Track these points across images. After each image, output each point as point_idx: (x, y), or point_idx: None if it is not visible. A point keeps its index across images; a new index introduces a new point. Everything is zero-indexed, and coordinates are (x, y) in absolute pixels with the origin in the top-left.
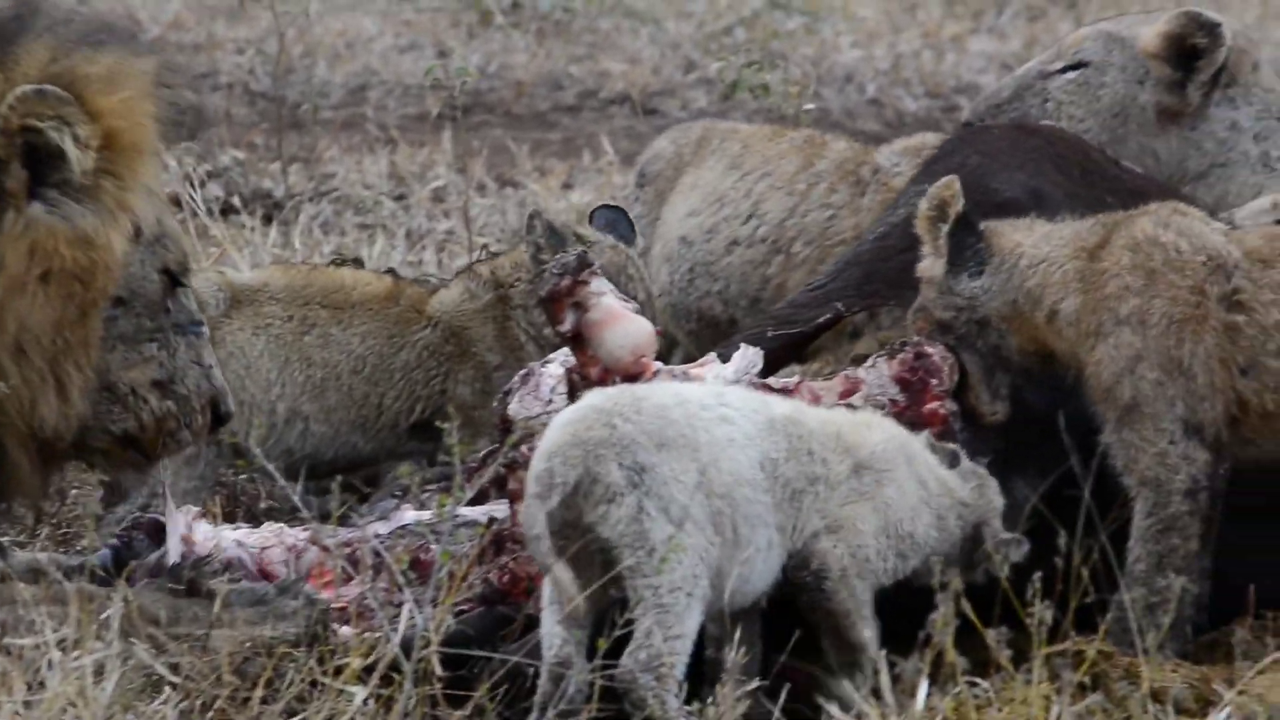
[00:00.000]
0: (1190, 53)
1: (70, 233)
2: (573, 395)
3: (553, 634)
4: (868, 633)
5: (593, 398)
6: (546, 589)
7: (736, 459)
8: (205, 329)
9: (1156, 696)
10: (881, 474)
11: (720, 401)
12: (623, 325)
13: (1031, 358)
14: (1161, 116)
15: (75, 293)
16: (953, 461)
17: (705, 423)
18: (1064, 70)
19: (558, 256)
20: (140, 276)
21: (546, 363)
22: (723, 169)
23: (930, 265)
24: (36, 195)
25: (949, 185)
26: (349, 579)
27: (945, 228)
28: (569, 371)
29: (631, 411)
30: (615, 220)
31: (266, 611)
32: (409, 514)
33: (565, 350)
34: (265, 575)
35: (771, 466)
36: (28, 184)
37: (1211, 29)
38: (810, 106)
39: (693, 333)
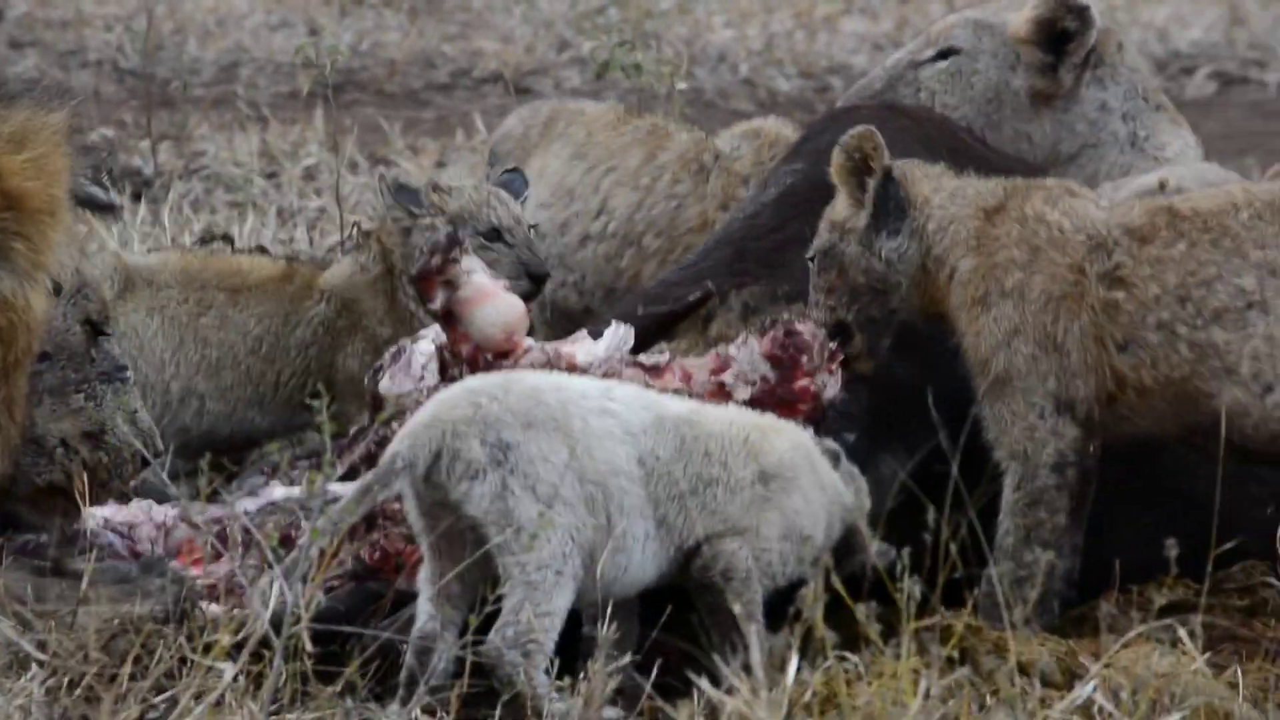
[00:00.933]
0: (1060, 36)
1: None
2: (444, 372)
3: (421, 610)
4: (757, 632)
5: (471, 379)
6: (422, 573)
7: (614, 450)
8: (130, 374)
9: (1024, 670)
10: (788, 482)
11: (605, 394)
12: (493, 303)
13: (930, 321)
14: (1035, 100)
15: None
16: (834, 462)
17: (583, 411)
18: (935, 59)
19: (428, 236)
20: (63, 330)
21: (418, 339)
22: (568, 157)
23: (851, 216)
24: None
25: (868, 136)
26: (218, 556)
27: (873, 181)
28: (440, 349)
29: (500, 391)
30: (511, 180)
31: (132, 589)
32: (277, 490)
33: (437, 327)
34: (134, 553)
35: (654, 463)
36: None
37: (1080, 12)
38: (683, 86)
39: (547, 322)
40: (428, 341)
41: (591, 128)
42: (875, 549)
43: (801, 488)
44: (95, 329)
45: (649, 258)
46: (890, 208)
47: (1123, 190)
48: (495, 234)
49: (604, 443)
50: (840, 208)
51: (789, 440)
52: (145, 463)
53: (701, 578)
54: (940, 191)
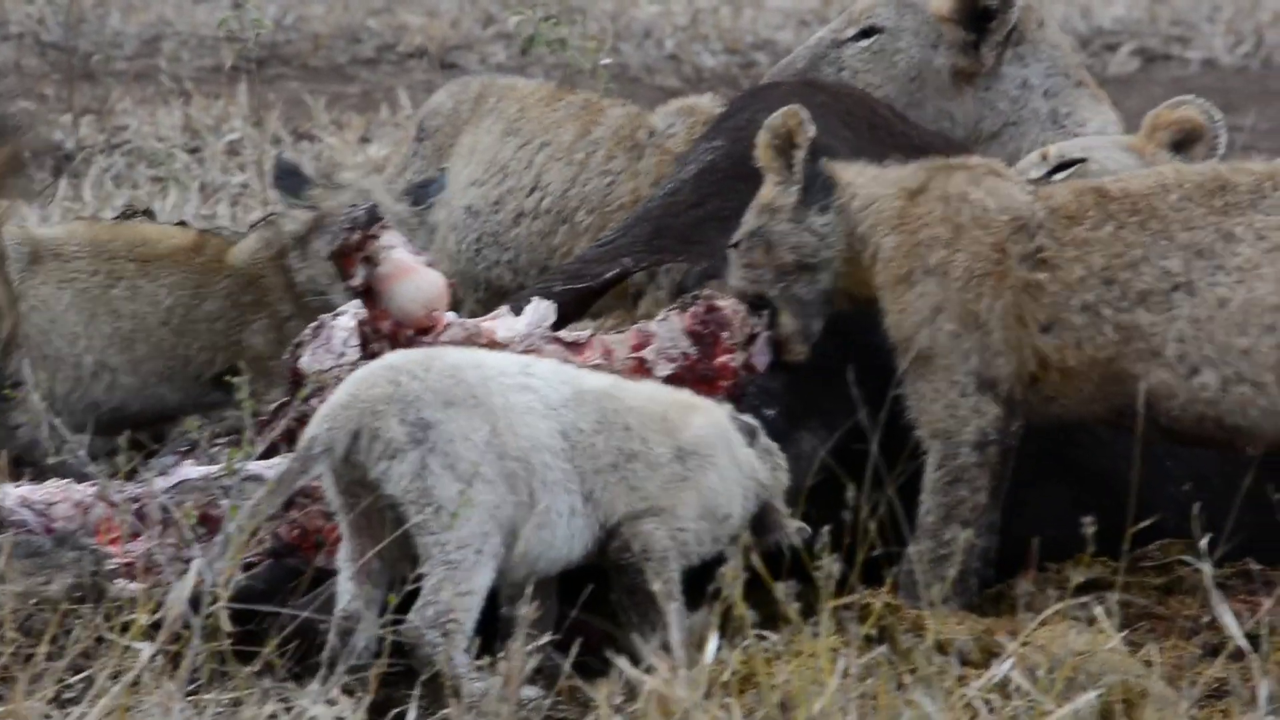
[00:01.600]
0: (982, 14)
1: None
2: (365, 348)
3: (343, 589)
4: (676, 611)
5: (391, 356)
6: (342, 552)
7: (535, 426)
8: (26, 387)
9: (942, 648)
10: (705, 459)
11: (524, 370)
12: (413, 279)
13: (856, 305)
14: (957, 78)
15: None
16: (751, 438)
17: (503, 388)
18: (857, 37)
19: (345, 211)
20: None
21: (338, 315)
22: (500, 133)
23: (781, 193)
24: None
25: (794, 114)
26: (136, 535)
27: (800, 154)
28: (361, 324)
29: (420, 370)
30: (428, 183)
31: (44, 563)
32: (191, 469)
33: (358, 302)
34: (49, 531)
35: (577, 436)
36: None
37: None
38: (608, 61)
39: (481, 301)
40: (348, 317)
41: (524, 103)
42: (793, 527)
43: (718, 465)
44: None
45: (581, 234)
46: (819, 184)
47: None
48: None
49: (525, 418)
50: (768, 190)
51: (706, 418)
52: (16, 463)
53: (619, 558)
54: (863, 175)
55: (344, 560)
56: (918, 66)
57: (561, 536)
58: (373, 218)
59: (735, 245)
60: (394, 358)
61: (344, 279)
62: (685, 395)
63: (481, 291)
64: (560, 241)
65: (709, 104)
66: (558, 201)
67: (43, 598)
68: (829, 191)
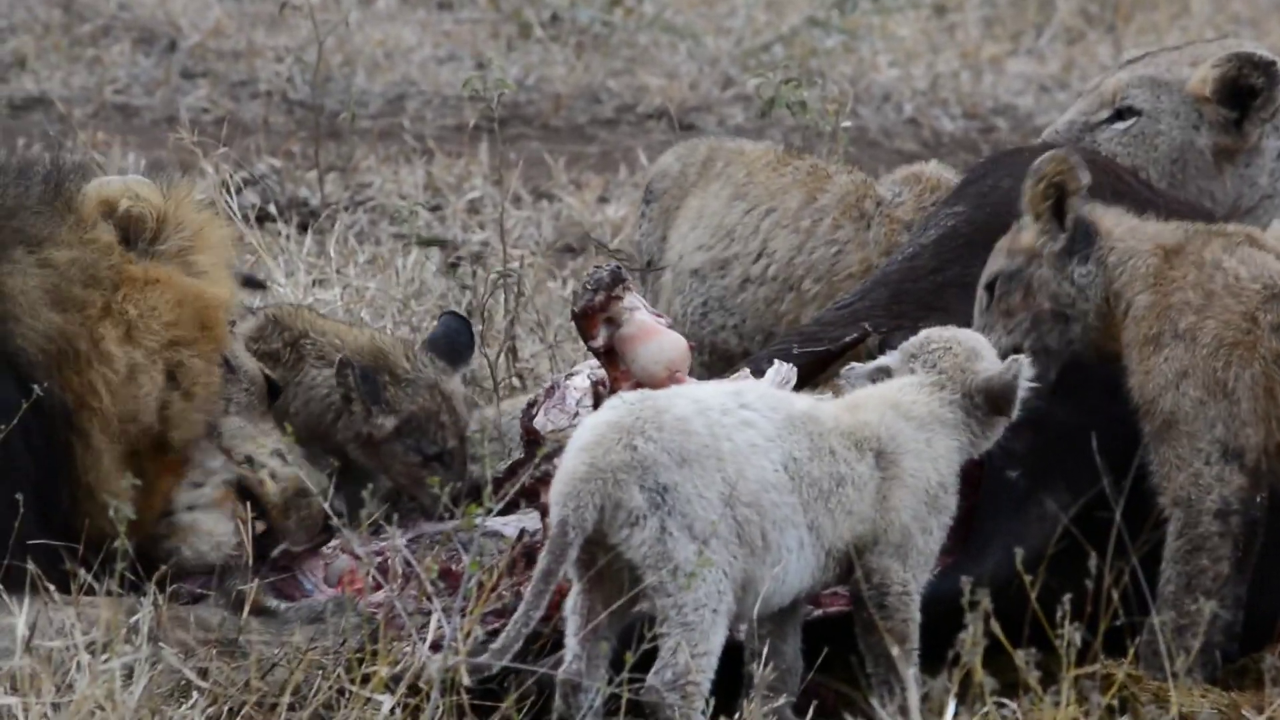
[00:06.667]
0: (1246, 92)
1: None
2: (598, 408)
3: (569, 649)
4: (913, 656)
5: (609, 413)
6: (570, 603)
7: (760, 464)
8: None
9: None
10: (893, 449)
11: (740, 403)
12: (657, 340)
13: (1103, 358)
14: (1219, 157)
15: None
16: (882, 375)
17: (727, 429)
18: (1111, 120)
19: (591, 271)
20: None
21: (571, 375)
22: (728, 198)
23: (1046, 242)
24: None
25: (1063, 159)
26: (378, 587)
27: (1075, 202)
28: (595, 384)
29: (653, 429)
30: (458, 330)
31: (325, 629)
32: (428, 524)
33: (591, 362)
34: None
35: (795, 466)
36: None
37: (1266, 67)
38: (848, 124)
39: (706, 365)
40: (582, 377)
41: (751, 167)
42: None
43: (904, 444)
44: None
45: (808, 303)
46: (1082, 233)
47: None
48: (436, 457)
49: (752, 459)
50: (1029, 234)
51: (873, 410)
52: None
53: (858, 592)
54: (1121, 225)
55: (571, 612)
56: (1180, 149)
57: (793, 571)
58: (616, 278)
59: (989, 287)
60: (618, 414)
61: (586, 339)
62: (847, 398)
63: (706, 355)
64: (786, 309)
65: (935, 170)
66: (784, 269)
67: (290, 649)
68: (1091, 240)
